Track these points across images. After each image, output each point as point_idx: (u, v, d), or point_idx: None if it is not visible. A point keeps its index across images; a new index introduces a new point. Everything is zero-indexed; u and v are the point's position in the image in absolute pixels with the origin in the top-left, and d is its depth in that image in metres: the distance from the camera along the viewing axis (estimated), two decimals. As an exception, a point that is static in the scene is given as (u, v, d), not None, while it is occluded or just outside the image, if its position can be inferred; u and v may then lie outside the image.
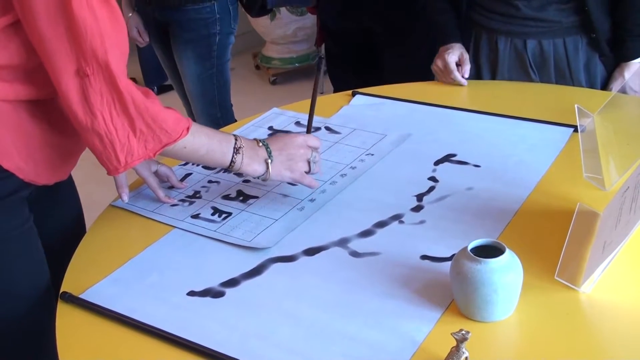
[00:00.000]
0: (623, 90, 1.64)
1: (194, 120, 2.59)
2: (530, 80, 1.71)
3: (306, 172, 1.21)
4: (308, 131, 1.28)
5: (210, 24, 2.41)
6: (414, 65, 2.05)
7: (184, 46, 2.43)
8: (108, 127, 1.02)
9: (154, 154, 1.08)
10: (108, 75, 1.00)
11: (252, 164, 1.17)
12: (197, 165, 1.38)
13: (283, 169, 1.19)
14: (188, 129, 1.09)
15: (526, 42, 1.68)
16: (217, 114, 2.56)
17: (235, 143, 1.16)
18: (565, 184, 1.24)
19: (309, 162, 1.21)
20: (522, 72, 1.72)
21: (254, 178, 1.21)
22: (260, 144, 1.18)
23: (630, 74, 1.64)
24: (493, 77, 1.74)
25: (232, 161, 1.16)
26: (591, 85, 1.68)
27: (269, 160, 1.18)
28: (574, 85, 1.68)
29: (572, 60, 1.66)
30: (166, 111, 1.07)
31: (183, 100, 2.66)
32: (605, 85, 1.69)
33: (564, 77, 1.69)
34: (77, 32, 0.97)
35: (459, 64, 1.69)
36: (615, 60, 1.66)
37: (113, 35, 1.00)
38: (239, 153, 1.15)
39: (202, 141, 1.12)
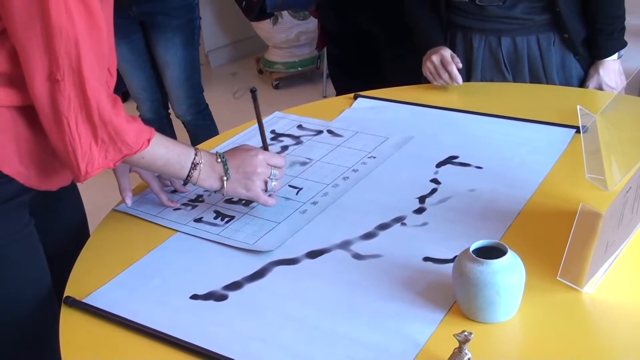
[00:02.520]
0: (599, 87, 1.67)
1: (173, 107, 2.66)
2: (504, 79, 1.73)
3: (265, 190, 1.22)
4: (265, 149, 1.27)
5: (193, 8, 2.53)
6: (414, 66, 2.06)
7: (172, 34, 2.49)
8: (72, 133, 1.03)
9: (113, 164, 1.09)
10: (79, 81, 1.01)
11: (208, 180, 1.19)
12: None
13: (239, 187, 1.20)
14: (149, 140, 1.11)
15: (500, 40, 1.69)
16: (198, 96, 2.67)
17: (194, 158, 1.17)
18: (568, 185, 1.24)
19: (266, 182, 1.21)
20: (496, 71, 1.73)
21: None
22: (219, 160, 1.19)
23: (605, 71, 1.66)
24: (468, 77, 1.74)
25: (188, 175, 1.17)
26: (566, 84, 1.71)
27: (225, 178, 1.19)
28: (547, 83, 1.69)
29: (546, 58, 1.68)
30: (129, 123, 1.08)
31: (146, 95, 2.68)
32: (582, 84, 1.71)
33: (538, 75, 1.71)
34: (52, 36, 0.98)
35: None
36: (590, 59, 1.68)
37: (89, 41, 1.01)
38: (196, 169, 1.17)
39: (160, 153, 1.14)
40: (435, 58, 1.66)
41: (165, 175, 1.23)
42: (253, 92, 1.25)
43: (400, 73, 2.09)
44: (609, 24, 1.64)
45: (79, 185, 1.38)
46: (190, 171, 1.17)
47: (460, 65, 1.65)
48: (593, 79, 1.68)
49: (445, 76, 1.64)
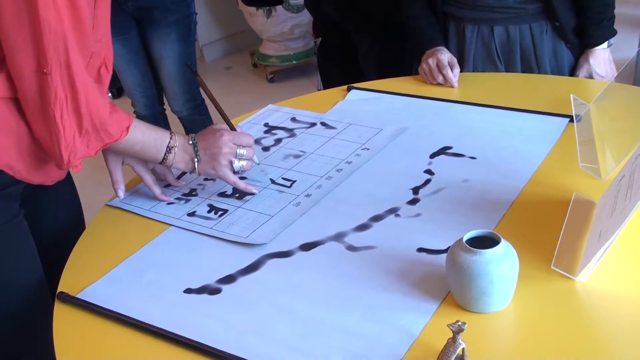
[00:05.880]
0: (589, 76, 1.67)
1: (170, 102, 2.66)
2: (497, 69, 1.73)
3: (232, 170, 1.25)
4: (232, 128, 1.28)
5: (189, 4, 2.53)
6: (385, 57, 2.05)
7: (168, 29, 2.49)
8: (57, 125, 1.06)
9: (94, 152, 1.13)
10: (67, 75, 1.03)
11: (181, 162, 1.24)
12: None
13: (208, 167, 1.24)
14: (128, 128, 1.15)
15: (493, 29, 1.69)
16: (195, 91, 2.67)
17: (169, 142, 1.22)
18: (561, 174, 1.24)
19: (231, 161, 1.24)
20: (489, 61, 1.73)
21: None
22: (190, 142, 1.24)
23: (595, 59, 1.66)
24: (460, 68, 1.73)
25: (164, 158, 1.22)
26: (558, 72, 1.71)
27: (196, 160, 1.23)
28: (539, 72, 1.69)
29: (538, 47, 1.68)
30: (111, 114, 1.12)
31: (141, 91, 2.68)
32: (572, 72, 1.71)
33: (530, 64, 1.71)
34: (40, 31, 0.99)
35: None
36: (580, 47, 1.68)
37: (75, 35, 1.02)
38: (170, 152, 1.22)
39: (137, 138, 1.19)
40: (431, 61, 1.65)
41: (142, 157, 1.26)
42: (189, 66, 1.27)
43: (372, 64, 2.08)
44: (599, 12, 1.64)
45: (75, 181, 1.38)
46: (165, 154, 1.22)
47: (458, 72, 1.64)
48: (583, 67, 1.68)
49: (440, 78, 1.64)
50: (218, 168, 1.24)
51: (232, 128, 1.28)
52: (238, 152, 1.24)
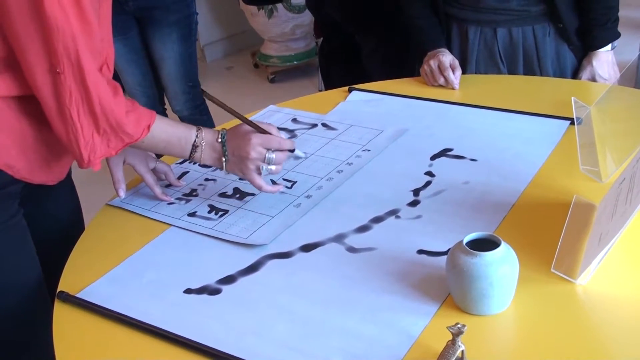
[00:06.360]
0: (592, 79, 1.67)
1: (170, 102, 2.66)
2: (499, 71, 1.73)
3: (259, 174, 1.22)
4: (262, 132, 1.23)
5: (190, 4, 2.53)
6: (388, 57, 2.04)
7: (169, 29, 2.49)
8: (75, 124, 1.06)
9: (115, 152, 1.12)
10: (78, 73, 1.03)
11: (209, 159, 1.22)
12: (194, 163, 1.38)
13: (236, 169, 1.23)
14: (149, 127, 1.13)
15: (496, 31, 1.69)
16: (195, 91, 2.67)
17: (195, 140, 1.20)
18: (562, 176, 1.24)
19: (259, 167, 1.21)
20: (491, 64, 1.73)
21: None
22: (219, 140, 1.21)
23: (598, 62, 1.66)
24: (463, 70, 1.73)
25: (190, 156, 1.21)
26: (561, 74, 1.71)
27: (224, 159, 1.22)
28: (542, 74, 1.69)
29: (541, 49, 1.68)
30: (128, 113, 1.10)
31: (142, 91, 2.68)
32: (575, 74, 1.71)
33: (532, 67, 1.71)
34: (49, 30, 0.99)
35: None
36: (583, 50, 1.68)
37: (83, 35, 1.02)
38: (196, 151, 1.20)
39: (161, 137, 1.17)
40: (433, 62, 1.65)
41: (168, 155, 1.26)
42: (203, 93, 1.26)
43: (377, 65, 2.08)
44: (602, 14, 1.63)
45: (75, 181, 1.38)
46: (191, 153, 1.21)
47: (459, 74, 1.64)
48: (586, 70, 1.68)
49: (441, 80, 1.64)
50: (245, 171, 1.21)
51: (263, 131, 1.22)
52: (267, 156, 1.20)
